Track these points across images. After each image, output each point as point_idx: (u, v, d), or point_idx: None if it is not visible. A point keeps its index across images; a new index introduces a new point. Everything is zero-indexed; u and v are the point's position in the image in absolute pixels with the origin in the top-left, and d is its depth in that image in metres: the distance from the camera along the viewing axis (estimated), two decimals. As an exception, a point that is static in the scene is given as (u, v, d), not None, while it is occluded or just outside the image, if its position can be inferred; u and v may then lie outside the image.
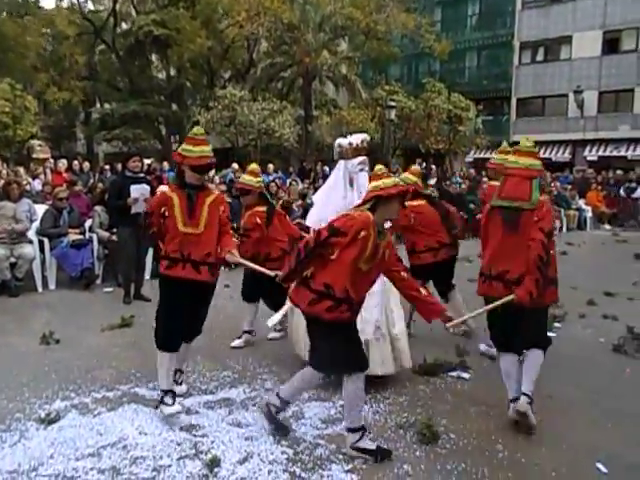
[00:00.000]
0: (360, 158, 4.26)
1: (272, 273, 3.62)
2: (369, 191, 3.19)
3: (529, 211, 3.37)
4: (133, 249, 6.57)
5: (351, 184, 4.25)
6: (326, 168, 18.97)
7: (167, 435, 3.41)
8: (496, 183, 4.26)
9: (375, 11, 21.98)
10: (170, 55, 21.63)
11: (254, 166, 5.26)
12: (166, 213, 3.60)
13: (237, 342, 5.10)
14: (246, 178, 5.14)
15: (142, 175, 6.74)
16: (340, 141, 4.39)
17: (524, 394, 3.43)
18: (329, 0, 21.25)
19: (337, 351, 3.09)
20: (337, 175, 4.35)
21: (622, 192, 16.27)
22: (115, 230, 7.11)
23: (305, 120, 22.71)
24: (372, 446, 3.18)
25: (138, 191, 6.31)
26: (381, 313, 4.16)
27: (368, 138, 4.50)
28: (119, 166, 15.23)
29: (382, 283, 4.24)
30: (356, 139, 4.33)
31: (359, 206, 3.22)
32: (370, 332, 4.07)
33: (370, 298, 4.07)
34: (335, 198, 4.28)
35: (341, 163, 4.33)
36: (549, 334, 5.36)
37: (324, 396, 3.99)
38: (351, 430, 3.19)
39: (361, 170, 4.25)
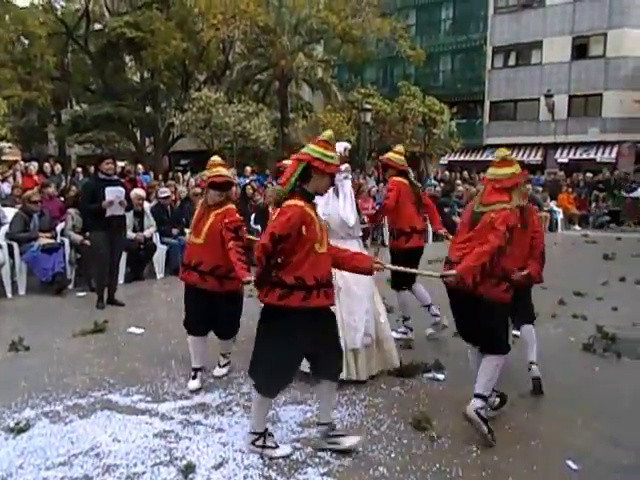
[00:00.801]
0: (344, 166, 4.31)
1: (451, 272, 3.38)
2: None
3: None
4: (107, 253, 6.46)
5: (336, 192, 4.27)
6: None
7: (141, 442, 3.36)
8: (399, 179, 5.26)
9: (350, 15, 22.10)
10: (144, 57, 21.32)
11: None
12: (304, 232, 2.99)
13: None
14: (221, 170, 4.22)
15: (116, 178, 6.66)
16: None
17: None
18: (304, 3, 21.28)
19: (503, 330, 3.52)
20: None
21: (623, 192, 16.76)
22: (88, 234, 7.00)
23: (281, 123, 22.69)
24: (486, 417, 3.39)
25: (113, 193, 6.24)
26: (371, 319, 4.23)
27: (349, 146, 4.57)
28: (92, 168, 15.02)
29: (369, 288, 4.29)
30: (339, 147, 4.38)
31: None
32: (359, 340, 4.12)
33: (358, 304, 4.12)
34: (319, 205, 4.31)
35: None
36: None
37: (300, 399, 3.99)
38: (479, 396, 3.38)
39: (345, 178, 4.31)
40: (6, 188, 10.63)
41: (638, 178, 18.39)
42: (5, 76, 19.48)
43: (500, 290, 3.40)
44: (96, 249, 6.53)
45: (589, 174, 18.69)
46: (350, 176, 4.40)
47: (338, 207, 4.23)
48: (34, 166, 12.02)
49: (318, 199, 4.26)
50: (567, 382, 4.35)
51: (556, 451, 3.30)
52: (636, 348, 5.09)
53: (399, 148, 5.60)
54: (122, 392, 4.09)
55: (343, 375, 4.07)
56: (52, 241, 7.38)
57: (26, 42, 21.06)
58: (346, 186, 4.32)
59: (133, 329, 5.65)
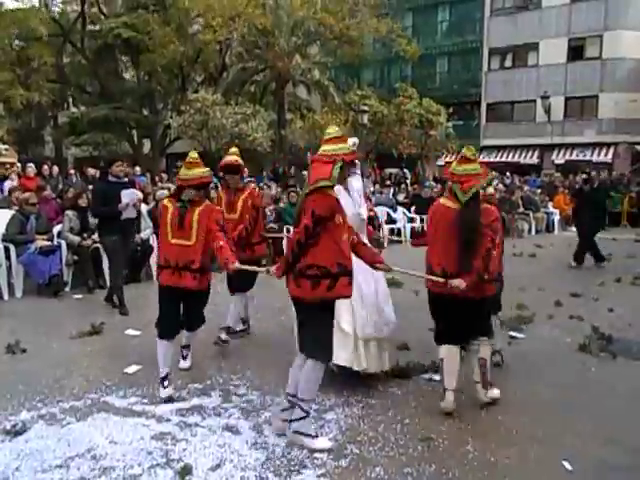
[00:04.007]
0: None
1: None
2: None
3: None
4: (122, 256, 6.39)
5: (346, 187, 4.26)
6: (304, 173, 19.00)
7: (138, 444, 3.36)
8: None
9: (347, 17, 22.14)
10: (141, 60, 21.30)
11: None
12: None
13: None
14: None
15: (125, 179, 6.53)
16: None
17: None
18: (301, 5, 21.30)
19: None
20: None
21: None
22: (97, 237, 6.90)
23: (278, 124, 22.69)
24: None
25: (128, 196, 6.16)
26: (377, 314, 4.21)
27: (357, 142, 4.56)
28: (90, 170, 14.99)
29: (377, 282, 4.27)
30: (349, 142, 4.38)
31: None
32: (371, 332, 4.13)
33: (364, 300, 4.11)
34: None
35: None
36: (518, 334, 5.50)
37: (297, 401, 3.99)
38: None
39: (353, 173, 4.30)
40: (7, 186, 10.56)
41: (634, 179, 18.47)
42: (5, 78, 19.42)
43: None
44: (112, 253, 6.43)
45: (585, 175, 18.71)
46: (358, 171, 4.39)
47: (350, 201, 4.21)
48: (32, 168, 11.98)
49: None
50: (563, 382, 4.36)
51: (552, 451, 3.32)
52: (632, 348, 5.12)
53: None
54: (119, 394, 4.09)
55: (354, 365, 4.07)
56: (49, 243, 7.36)
57: (22, 44, 20.98)
58: (354, 182, 4.28)
59: (130, 331, 5.64)
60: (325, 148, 3.38)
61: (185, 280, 3.98)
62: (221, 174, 5.49)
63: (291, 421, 3.36)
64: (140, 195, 6.66)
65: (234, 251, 4.06)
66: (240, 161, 5.24)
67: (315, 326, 3.33)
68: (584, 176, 10.69)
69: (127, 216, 6.24)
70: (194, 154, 4.06)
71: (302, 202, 3.33)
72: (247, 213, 5.04)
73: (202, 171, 4.05)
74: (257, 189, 6.18)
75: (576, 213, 10.27)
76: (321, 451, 3.26)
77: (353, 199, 4.24)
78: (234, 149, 5.39)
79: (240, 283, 5.05)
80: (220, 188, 5.26)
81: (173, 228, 3.97)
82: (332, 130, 3.49)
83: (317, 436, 3.37)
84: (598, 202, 9.90)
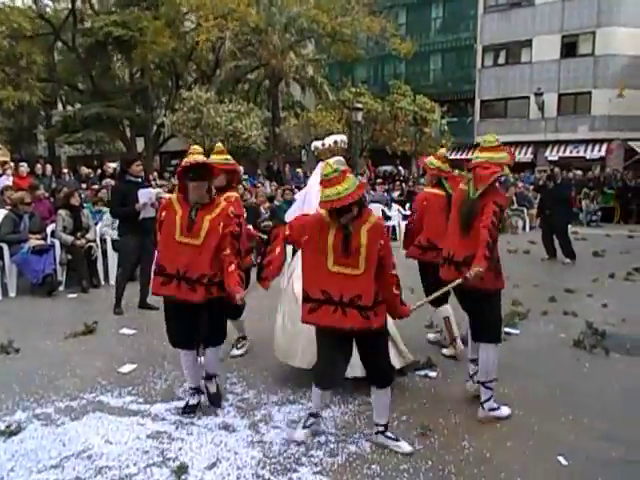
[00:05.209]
0: (335, 158, 4.32)
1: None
2: None
3: None
4: (136, 258, 6.32)
5: None
6: (299, 170, 19.01)
7: (133, 443, 3.35)
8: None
9: (340, 14, 22.10)
10: (133, 56, 21.13)
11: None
12: None
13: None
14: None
15: (140, 180, 6.43)
16: (315, 144, 4.49)
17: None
18: (294, 2, 21.24)
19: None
20: (315, 176, 4.41)
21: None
22: (118, 236, 6.83)
23: (272, 122, 22.65)
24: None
25: (146, 196, 6.12)
26: None
27: (345, 138, 4.56)
28: (83, 169, 14.92)
29: None
30: (329, 140, 4.42)
31: None
32: None
33: None
34: (313, 198, 4.32)
35: (319, 165, 4.40)
36: (512, 330, 5.52)
37: (293, 399, 4.00)
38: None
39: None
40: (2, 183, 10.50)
41: (627, 175, 18.57)
42: None
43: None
44: (126, 254, 6.38)
45: (579, 172, 18.83)
46: (342, 168, 4.37)
47: None
48: (25, 167, 11.90)
49: (313, 191, 4.29)
50: (558, 378, 4.38)
51: (547, 447, 3.33)
52: (625, 344, 5.14)
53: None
54: (114, 394, 4.07)
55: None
56: (42, 242, 7.34)
57: (7, 40, 20.69)
58: None
59: (125, 330, 5.63)
60: (486, 156, 3.63)
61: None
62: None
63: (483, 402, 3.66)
64: (155, 192, 6.47)
65: None
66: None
67: (494, 311, 3.66)
68: (547, 172, 10.84)
69: (145, 216, 6.18)
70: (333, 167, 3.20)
71: (476, 202, 3.57)
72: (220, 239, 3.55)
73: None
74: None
75: (541, 209, 10.43)
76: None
77: None
78: (196, 146, 3.91)
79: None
80: (177, 199, 3.62)
81: (336, 253, 3.13)
82: (492, 139, 3.70)
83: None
84: (562, 198, 9.92)
